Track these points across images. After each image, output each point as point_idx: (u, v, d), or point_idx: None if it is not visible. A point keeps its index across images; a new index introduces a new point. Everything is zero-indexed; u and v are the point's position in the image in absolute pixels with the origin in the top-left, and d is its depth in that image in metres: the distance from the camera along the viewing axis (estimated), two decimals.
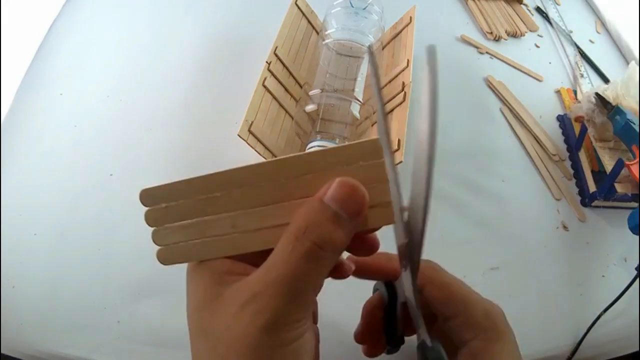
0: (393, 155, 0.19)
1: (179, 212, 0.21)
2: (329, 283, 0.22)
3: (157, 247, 0.22)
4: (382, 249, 0.23)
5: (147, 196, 0.21)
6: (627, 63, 0.60)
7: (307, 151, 0.20)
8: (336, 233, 0.19)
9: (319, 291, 0.20)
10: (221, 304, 0.19)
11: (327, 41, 0.46)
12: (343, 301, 0.32)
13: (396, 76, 0.45)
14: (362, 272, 0.26)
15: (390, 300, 0.25)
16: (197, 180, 0.21)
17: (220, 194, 0.21)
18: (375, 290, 0.28)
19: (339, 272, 0.23)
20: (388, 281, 0.26)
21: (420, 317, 0.22)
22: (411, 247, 0.20)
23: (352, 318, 0.28)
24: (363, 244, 0.21)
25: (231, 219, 0.21)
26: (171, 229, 0.21)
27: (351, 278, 0.24)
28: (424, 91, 0.17)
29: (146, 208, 0.21)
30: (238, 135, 0.36)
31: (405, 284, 0.23)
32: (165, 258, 0.22)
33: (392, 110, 0.43)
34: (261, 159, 0.39)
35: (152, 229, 0.22)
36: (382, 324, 0.26)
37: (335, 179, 0.19)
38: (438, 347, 0.22)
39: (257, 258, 0.20)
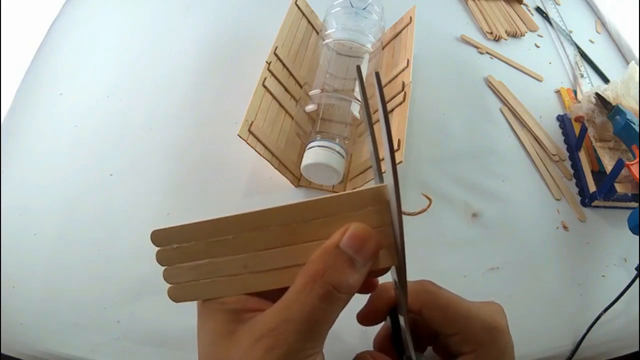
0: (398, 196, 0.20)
1: (190, 253, 0.22)
2: None
3: (168, 285, 0.22)
4: None
5: (158, 237, 0.22)
6: (627, 63, 0.60)
7: (316, 198, 0.21)
8: (352, 277, 0.20)
9: (330, 327, 0.21)
10: (236, 339, 0.20)
11: (327, 41, 0.46)
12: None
13: (396, 76, 0.45)
14: (376, 319, 0.26)
15: (394, 325, 0.25)
16: (209, 224, 0.21)
17: (232, 237, 0.21)
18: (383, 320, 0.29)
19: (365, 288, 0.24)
20: (392, 311, 0.26)
21: (408, 333, 0.22)
22: (398, 268, 0.21)
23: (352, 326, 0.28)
24: (366, 283, 0.22)
25: (243, 260, 0.22)
26: (182, 269, 0.22)
27: None
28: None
29: (157, 248, 0.22)
30: (238, 135, 0.36)
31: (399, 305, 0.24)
32: (177, 296, 0.23)
33: (392, 110, 0.43)
34: (261, 159, 0.39)
35: (163, 267, 0.22)
36: (394, 352, 0.26)
37: (349, 225, 0.20)
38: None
39: (270, 293, 0.21)
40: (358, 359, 0.23)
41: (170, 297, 0.22)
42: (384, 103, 0.20)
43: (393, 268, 0.22)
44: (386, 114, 0.20)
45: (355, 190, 0.20)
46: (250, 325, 0.20)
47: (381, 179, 0.21)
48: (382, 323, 0.27)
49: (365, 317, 0.26)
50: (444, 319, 0.23)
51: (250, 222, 0.21)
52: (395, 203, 0.19)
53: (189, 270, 0.22)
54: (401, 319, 0.23)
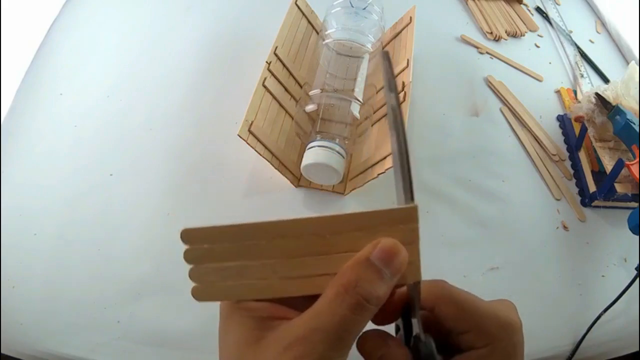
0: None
1: (221, 254, 0.22)
2: None
3: (193, 284, 0.23)
4: None
5: (189, 235, 0.22)
6: (627, 63, 0.60)
7: (351, 212, 0.22)
8: (382, 289, 0.21)
9: (357, 338, 0.22)
10: (264, 347, 0.21)
11: (327, 41, 0.46)
12: None
13: (396, 76, 0.45)
14: (394, 316, 0.26)
15: (406, 328, 0.26)
16: (244, 227, 0.22)
17: (265, 242, 0.22)
18: (396, 330, 0.28)
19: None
20: (404, 312, 0.26)
21: (417, 311, 0.23)
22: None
23: None
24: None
25: (272, 265, 0.22)
26: (210, 269, 0.22)
27: None
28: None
29: (186, 246, 0.22)
30: (238, 135, 0.36)
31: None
32: (201, 295, 0.23)
33: None
34: (261, 159, 0.39)
35: (190, 266, 0.22)
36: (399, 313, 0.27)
37: (380, 240, 0.21)
38: (430, 341, 0.23)
39: (296, 302, 0.22)
40: (364, 336, 0.23)
41: (194, 296, 0.22)
42: (395, 88, 0.20)
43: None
44: (398, 101, 0.21)
45: (389, 208, 0.21)
46: (279, 332, 0.21)
47: (410, 195, 0.22)
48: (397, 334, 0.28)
49: (378, 316, 0.27)
50: (458, 315, 0.24)
51: (285, 229, 0.22)
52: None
53: (216, 270, 0.22)
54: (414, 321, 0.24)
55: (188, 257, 0.22)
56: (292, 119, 0.44)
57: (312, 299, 0.21)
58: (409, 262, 0.21)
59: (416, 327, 0.23)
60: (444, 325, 0.24)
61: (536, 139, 0.50)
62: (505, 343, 0.24)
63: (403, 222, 0.21)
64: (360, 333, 0.21)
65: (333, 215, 0.21)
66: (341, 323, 0.20)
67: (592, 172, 0.47)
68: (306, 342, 0.20)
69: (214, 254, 0.22)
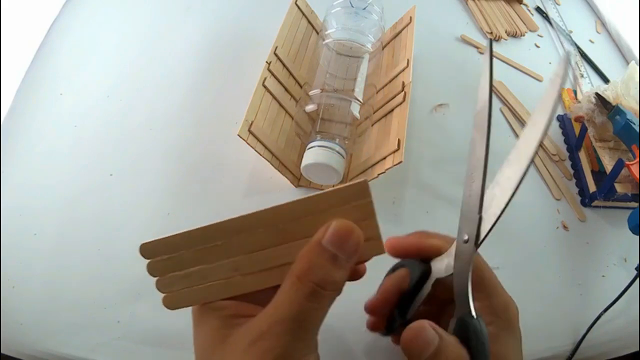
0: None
1: (181, 262, 0.22)
2: None
3: (162, 295, 0.23)
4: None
5: (147, 249, 0.22)
6: (627, 63, 0.60)
7: (301, 197, 0.21)
8: (336, 273, 0.20)
9: (320, 325, 0.21)
10: (231, 344, 0.21)
11: (327, 41, 0.46)
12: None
13: (396, 76, 0.45)
14: (403, 254, 0.27)
15: (420, 277, 0.25)
16: (196, 232, 0.22)
17: (220, 242, 0.22)
18: (396, 268, 0.28)
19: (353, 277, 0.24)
20: (423, 259, 0.26)
21: (470, 288, 0.22)
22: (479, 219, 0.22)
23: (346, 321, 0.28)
24: (353, 272, 0.23)
25: (232, 263, 0.22)
26: (174, 277, 0.22)
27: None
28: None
29: (147, 260, 0.22)
30: (238, 135, 0.36)
31: (451, 261, 0.24)
32: (171, 303, 0.23)
33: (392, 110, 0.43)
34: (261, 159, 0.39)
35: (155, 278, 0.23)
36: (397, 302, 0.27)
37: (331, 223, 0.21)
38: (480, 319, 0.22)
39: (261, 298, 0.22)
40: (415, 328, 0.22)
41: (166, 306, 0.23)
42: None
43: (460, 225, 0.23)
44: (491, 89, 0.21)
45: (338, 187, 0.21)
46: (244, 329, 0.21)
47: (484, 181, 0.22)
48: (376, 292, 0.28)
49: (374, 307, 0.27)
50: (475, 280, 0.23)
51: (237, 226, 0.21)
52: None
53: (181, 278, 0.22)
54: (461, 272, 0.23)
55: (151, 270, 0.22)
56: (292, 119, 0.44)
57: (273, 290, 0.21)
58: (368, 238, 0.21)
59: (467, 306, 0.22)
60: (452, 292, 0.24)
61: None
62: (509, 323, 0.25)
63: (355, 199, 0.21)
64: (323, 319, 0.21)
65: (282, 205, 0.21)
66: (300, 312, 0.20)
67: (592, 172, 0.47)
68: (269, 336, 0.20)
69: (174, 263, 0.22)
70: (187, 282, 0.22)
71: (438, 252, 0.26)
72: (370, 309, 0.27)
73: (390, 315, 0.27)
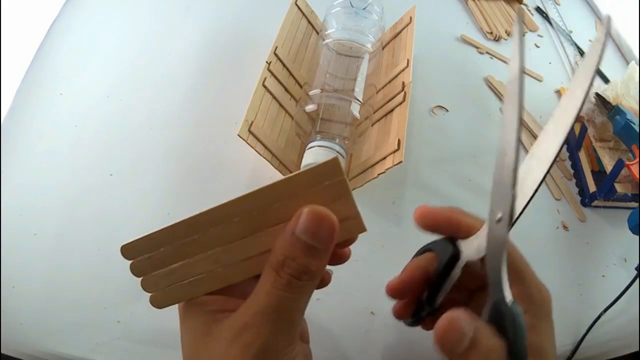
0: None
1: (162, 259, 0.22)
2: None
3: (148, 294, 0.23)
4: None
5: (128, 250, 0.22)
6: (627, 63, 0.60)
7: (272, 182, 0.20)
8: (311, 263, 0.20)
9: (303, 313, 0.21)
10: (215, 339, 0.21)
11: (327, 41, 0.46)
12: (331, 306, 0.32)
13: (396, 76, 0.45)
14: (432, 227, 0.25)
15: (449, 260, 0.24)
16: (173, 228, 0.21)
17: (198, 236, 0.21)
18: (423, 251, 0.27)
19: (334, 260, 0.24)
20: (451, 238, 0.25)
21: (504, 272, 0.21)
22: (513, 196, 0.20)
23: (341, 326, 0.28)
24: (335, 256, 0.22)
25: (213, 255, 0.22)
26: (158, 276, 0.22)
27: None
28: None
29: (129, 261, 0.22)
30: (238, 135, 0.36)
31: (483, 242, 0.22)
32: (159, 302, 0.23)
33: (392, 111, 0.43)
34: (261, 159, 0.39)
35: (140, 278, 0.22)
36: (423, 288, 0.25)
37: (302, 210, 0.20)
38: (516, 304, 0.20)
39: (246, 291, 0.21)
40: (448, 319, 0.20)
41: (153, 305, 0.23)
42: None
43: (492, 204, 0.21)
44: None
45: (308, 168, 0.20)
46: (227, 323, 0.21)
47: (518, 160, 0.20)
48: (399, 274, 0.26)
49: (397, 288, 0.25)
50: (509, 266, 0.21)
51: (213, 217, 0.21)
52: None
53: (164, 276, 0.22)
54: (495, 254, 0.21)
55: (134, 270, 0.22)
56: (292, 119, 0.44)
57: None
58: (345, 218, 0.20)
59: (502, 290, 0.20)
60: (482, 278, 0.22)
61: (536, 139, 0.50)
62: (543, 308, 0.24)
63: (327, 178, 0.20)
64: (304, 309, 0.21)
65: (255, 190, 0.21)
66: (279, 303, 0.20)
67: (592, 172, 0.47)
68: (251, 328, 0.20)
69: (156, 261, 0.22)
70: (170, 279, 0.22)
71: (469, 232, 0.24)
72: (391, 290, 0.26)
73: (417, 302, 0.26)
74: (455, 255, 0.24)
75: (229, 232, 0.21)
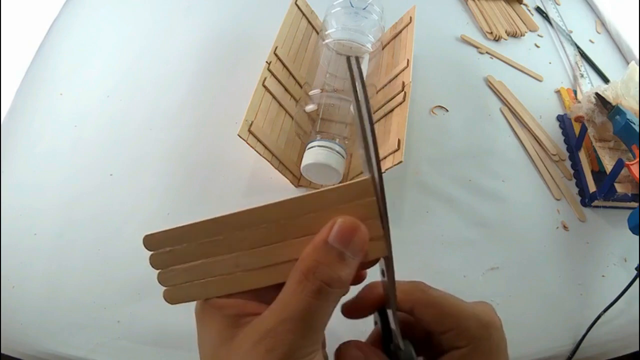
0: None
1: (183, 255, 0.22)
2: None
3: (164, 288, 0.23)
4: None
5: (151, 241, 0.22)
6: (627, 63, 0.60)
7: (304, 194, 0.21)
8: (343, 271, 0.20)
9: (327, 322, 0.21)
10: (237, 344, 0.20)
11: (327, 41, 0.46)
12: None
13: (396, 76, 0.45)
14: (355, 313, 0.26)
15: (383, 323, 0.25)
16: (200, 225, 0.22)
17: (222, 237, 0.22)
18: (375, 323, 0.28)
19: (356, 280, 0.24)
20: (381, 309, 0.26)
21: (397, 323, 0.22)
22: (386, 258, 0.21)
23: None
24: (354, 276, 0.22)
25: (234, 259, 0.22)
26: (176, 271, 0.22)
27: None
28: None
29: (150, 252, 0.22)
30: (238, 135, 0.36)
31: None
32: (172, 298, 0.23)
33: (392, 110, 0.43)
34: (261, 159, 0.39)
35: (158, 271, 0.22)
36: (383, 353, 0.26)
37: (336, 219, 0.20)
38: (410, 349, 0.22)
39: (266, 296, 0.21)
40: (342, 348, 0.23)
41: (166, 300, 0.23)
42: (364, 88, 0.20)
43: (381, 259, 0.22)
44: (366, 97, 0.20)
45: (341, 184, 0.20)
46: (249, 328, 0.21)
47: (371, 172, 0.21)
48: (373, 328, 0.27)
49: (350, 309, 0.26)
50: (437, 316, 0.23)
51: (240, 221, 0.21)
52: (378, 191, 0.19)
53: (182, 272, 0.22)
54: (389, 313, 0.23)
55: (153, 262, 0.22)
56: (292, 119, 0.44)
57: (275, 288, 0.21)
58: (372, 238, 0.21)
59: (392, 322, 0.22)
60: (423, 328, 0.24)
61: (536, 139, 0.50)
62: (487, 342, 0.23)
63: (358, 197, 0.20)
64: (329, 318, 0.21)
65: (286, 200, 0.21)
66: (307, 310, 0.20)
67: (592, 172, 0.47)
68: (275, 334, 0.19)
69: (177, 256, 0.22)
70: (188, 276, 0.22)
71: (382, 301, 0.25)
72: (347, 310, 0.26)
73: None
74: (384, 323, 0.25)
75: (253, 237, 0.21)
